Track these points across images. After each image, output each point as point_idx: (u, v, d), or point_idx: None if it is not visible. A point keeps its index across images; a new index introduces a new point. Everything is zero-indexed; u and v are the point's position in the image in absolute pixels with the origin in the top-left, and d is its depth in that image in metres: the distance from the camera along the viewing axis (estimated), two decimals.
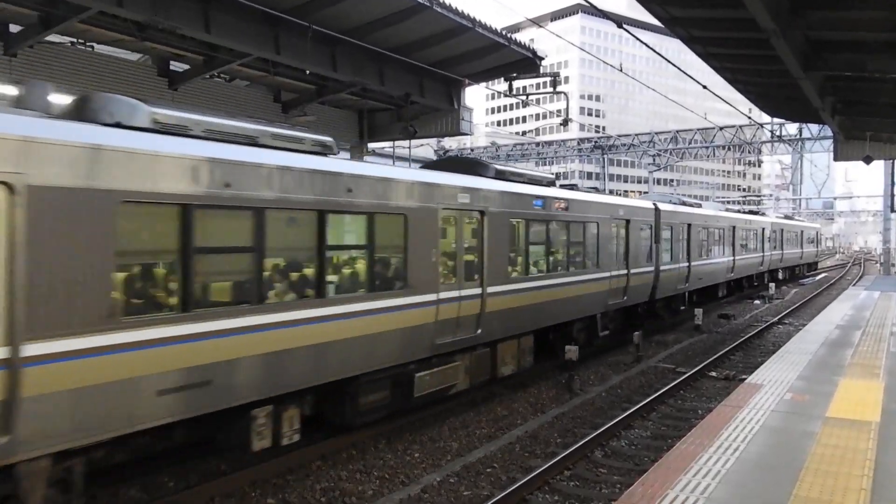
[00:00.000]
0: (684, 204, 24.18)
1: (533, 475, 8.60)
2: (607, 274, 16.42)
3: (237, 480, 8.45)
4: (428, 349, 10.61)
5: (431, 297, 10.53)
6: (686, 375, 14.48)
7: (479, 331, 11.74)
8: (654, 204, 20.25)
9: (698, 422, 8.43)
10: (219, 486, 8.27)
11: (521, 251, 13.26)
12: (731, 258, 28.32)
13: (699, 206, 26.25)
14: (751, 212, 36.49)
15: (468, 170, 12.65)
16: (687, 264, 22.41)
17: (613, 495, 8.08)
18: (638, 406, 12.00)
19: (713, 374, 15.26)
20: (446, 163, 14.75)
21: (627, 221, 17.70)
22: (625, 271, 17.43)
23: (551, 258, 14.31)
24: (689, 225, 22.67)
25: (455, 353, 11.32)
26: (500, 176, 13.07)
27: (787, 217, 48.89)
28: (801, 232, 46.65)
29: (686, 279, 22.51)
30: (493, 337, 12.15)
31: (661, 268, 19.96)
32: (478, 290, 11.70)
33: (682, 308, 22.76)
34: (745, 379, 10.62)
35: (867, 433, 7.51)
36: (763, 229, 34.48)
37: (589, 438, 10.11)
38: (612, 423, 10.95)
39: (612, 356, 17.06)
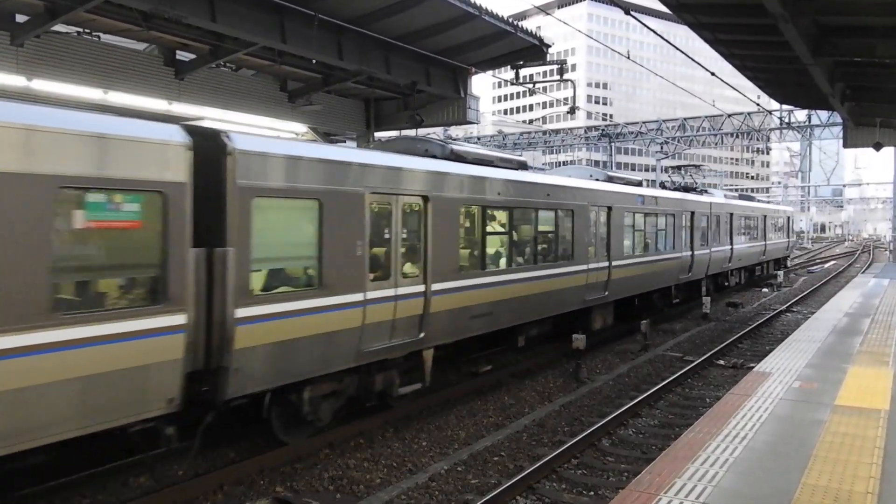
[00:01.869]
0: (481, 163, 12.44)
1: (540, 463, 8.62)
2: None
3: (246, 468, 8.50)
4: None
5: None
6: (694, 364, 14.46)
7: None
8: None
9: (706, 410, 8.43)
10: (228, 474, 8.32)
11: None
12: (606, 264, 16.24)
13: (546, 172, 15.62)
14: (685, 189, 25.27)
15: None
16: (484, 281, 11.90)
17: (621, 483, 8.09)
18: (645, 394, 12.01)
19: (721, 362, 15.24)
20: None
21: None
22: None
23: None
24: (463, 204, 11.62)
25: None
26: None
27: (742, 197, 33.89)
28: (764, 217, 31.96)
29: (456, 321, 11.18)
30: None
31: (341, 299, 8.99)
32: None
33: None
34: (753, 367, 10.61)
35: (876, 421, 7.50)
36: (692, 213, 22.12)
37: (596, 427, 10.13)
38: (620, 411, 10.96)
39: (620, 345, 17.05)
